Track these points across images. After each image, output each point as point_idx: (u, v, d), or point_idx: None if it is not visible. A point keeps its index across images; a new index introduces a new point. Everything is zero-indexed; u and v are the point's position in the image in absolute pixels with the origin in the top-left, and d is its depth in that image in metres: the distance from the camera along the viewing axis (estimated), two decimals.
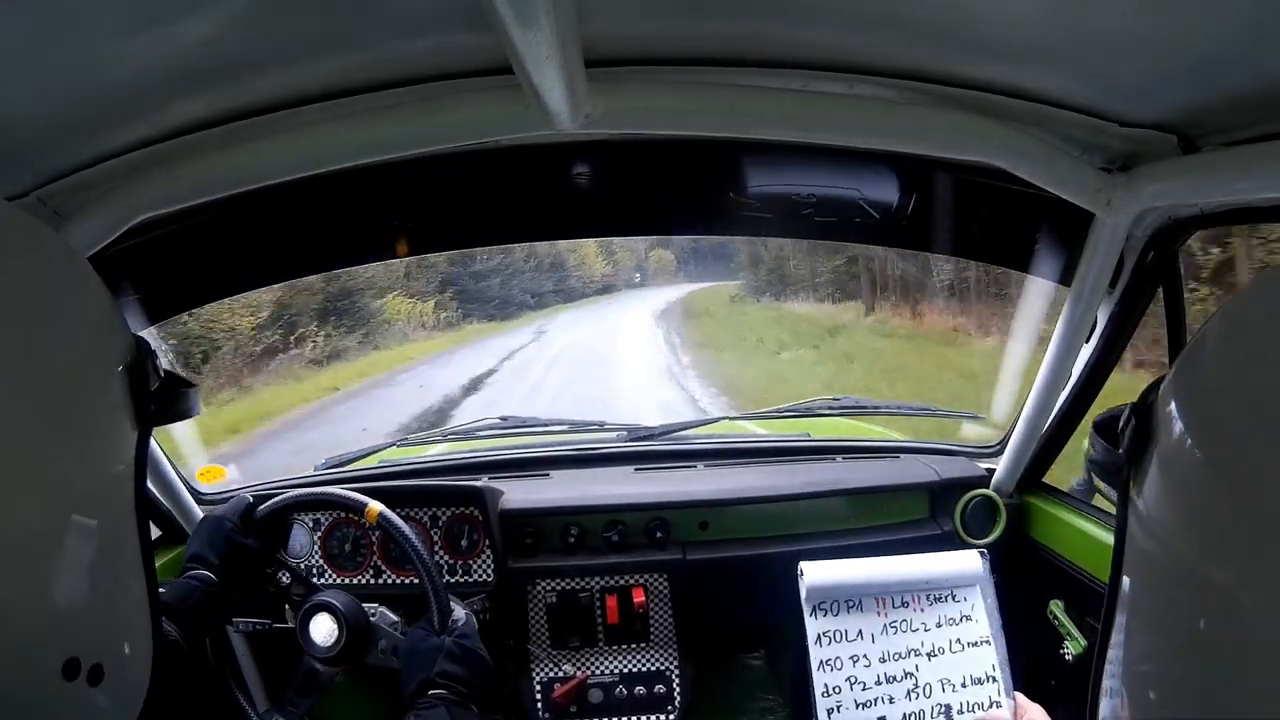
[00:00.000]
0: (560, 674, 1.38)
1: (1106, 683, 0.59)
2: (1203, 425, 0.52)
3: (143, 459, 0.68)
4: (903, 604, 1.03)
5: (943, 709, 0.99)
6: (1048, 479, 1.44)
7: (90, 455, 0.63)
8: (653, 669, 1.38)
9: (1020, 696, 0.97)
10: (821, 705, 0.97)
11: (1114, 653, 0.58)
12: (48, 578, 0.58)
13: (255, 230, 1.20)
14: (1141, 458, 0.56)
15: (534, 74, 0.72)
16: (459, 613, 1.17)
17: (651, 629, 1.40)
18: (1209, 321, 0.55)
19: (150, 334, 1.29)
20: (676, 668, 1.38)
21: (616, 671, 1.38)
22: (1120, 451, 0.58)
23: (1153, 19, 0.68)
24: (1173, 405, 0.54)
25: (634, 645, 1.39)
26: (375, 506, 1.23)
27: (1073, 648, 1.25)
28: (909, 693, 0.99)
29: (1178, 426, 0.53)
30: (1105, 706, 0.59)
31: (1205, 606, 0.48)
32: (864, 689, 0.99)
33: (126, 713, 0.66)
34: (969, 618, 1.03)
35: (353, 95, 0.92)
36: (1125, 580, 0.58)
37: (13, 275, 0.58)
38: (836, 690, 0.98)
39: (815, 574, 1.02)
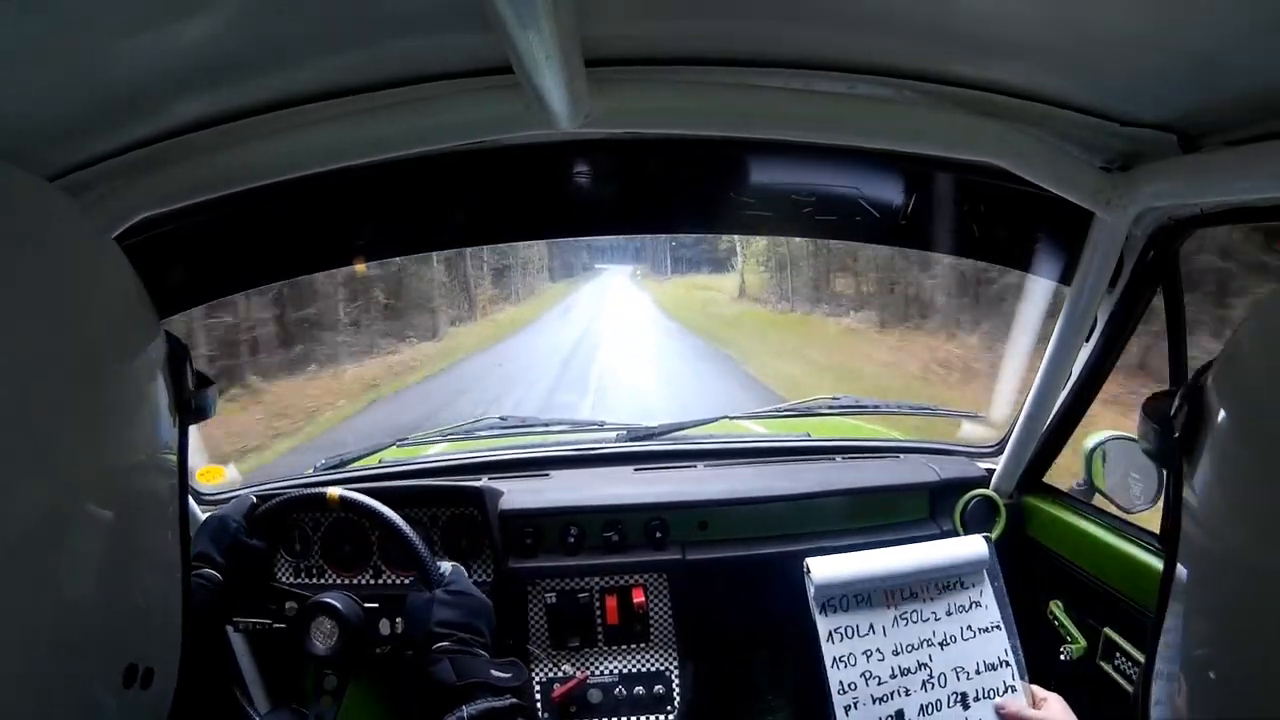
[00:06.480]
0: (560, 674, 1.37)
1: (1159, 683, 0.57)
2: (1260, 407, 0.51)
3: (184, 454, 0.67)
4: (911, 594, 1.02)
5: (958, 697, 0.98)
6: (1047, 479, 1.44)
7: (139, 445, 0.62)
8: (652, 669, 1.38)
9: (1038, 687, 0.97)
10: (838, 703, 0.96)
11: (1168, 651, 0.57)
12: (106, 578, 0.57)
13: (253, 229, 1.20)
14: (1195, 443, 0.55)
15: (534, 74, 0.73)
16: (445, 566, 1.18)
17: (651, 629, 1.39)
18: (1262, 304, 0.53)
19: None
20: (676, 668, 1.38)
21: (616, 671, 1.38)
22: (1175, 436, 0.56)
23: (1153, 19, 0.68)
24: (1229, 387, 0.52)
25: (634, 645, 1.39)
26: (334, 491, 1.26)
27: (1073, 648, 1.25)
28: (924, 683, 0.98)
29: (1234, 408, 0.51)
30: (1156, 710, 0.58)
31: (1265, 596, 0.47)
32: (879, 683, 0.97)
33: (162, 714, 0.66)
34: (978, 603, 1.02)
35: (353, 95, 0.92)
36: (1180, 570, 0.56)
37: (51, 251, 0.57)
38: (852, 687, 0.97)
39: (822, 570, 1.01)
